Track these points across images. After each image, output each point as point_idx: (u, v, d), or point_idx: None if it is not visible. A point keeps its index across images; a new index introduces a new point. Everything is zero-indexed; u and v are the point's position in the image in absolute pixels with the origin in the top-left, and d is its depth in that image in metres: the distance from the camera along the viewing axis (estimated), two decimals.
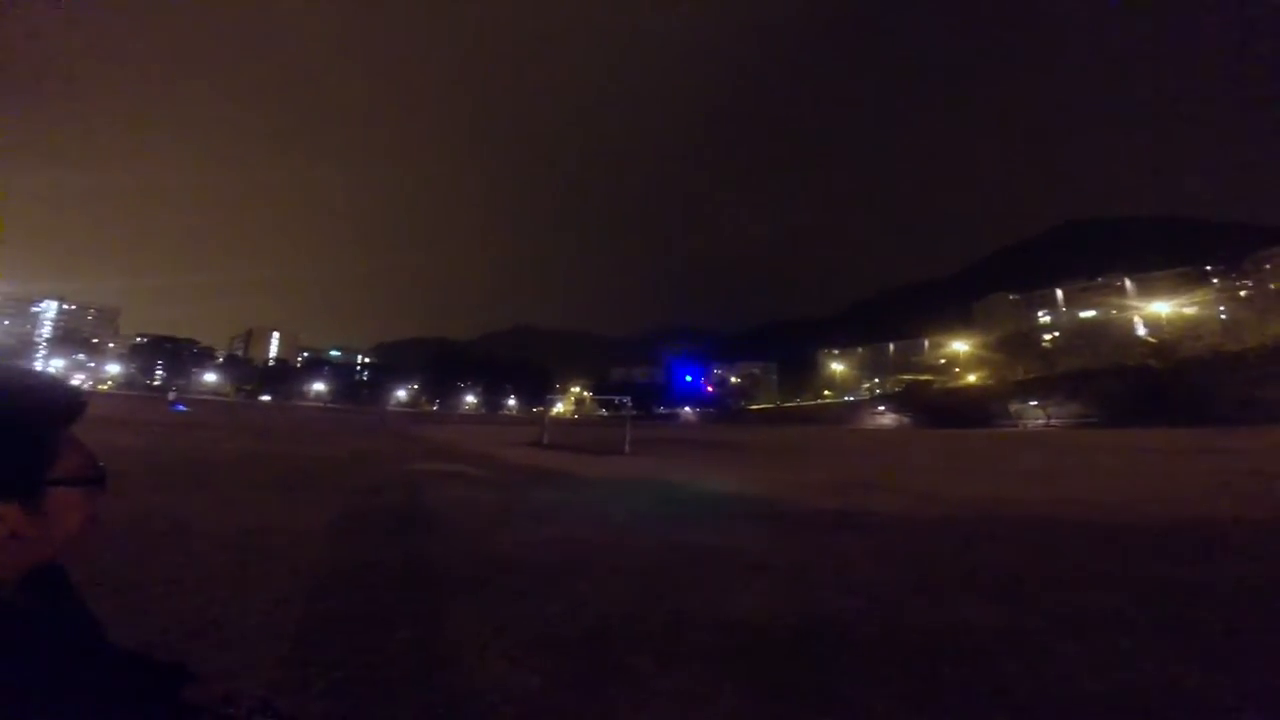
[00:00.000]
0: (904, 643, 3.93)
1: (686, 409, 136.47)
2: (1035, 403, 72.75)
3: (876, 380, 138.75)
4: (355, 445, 23.27)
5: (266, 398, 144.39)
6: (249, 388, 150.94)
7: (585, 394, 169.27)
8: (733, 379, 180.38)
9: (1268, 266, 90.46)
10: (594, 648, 3.92)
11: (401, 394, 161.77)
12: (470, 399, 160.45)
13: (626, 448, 24.71)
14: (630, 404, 33.56)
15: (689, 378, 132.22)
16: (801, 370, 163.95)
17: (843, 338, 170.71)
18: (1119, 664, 3.43)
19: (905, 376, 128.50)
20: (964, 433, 53.63)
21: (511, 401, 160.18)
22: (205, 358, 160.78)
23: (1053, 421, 65.36)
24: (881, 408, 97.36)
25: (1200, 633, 3.98)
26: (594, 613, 4.62)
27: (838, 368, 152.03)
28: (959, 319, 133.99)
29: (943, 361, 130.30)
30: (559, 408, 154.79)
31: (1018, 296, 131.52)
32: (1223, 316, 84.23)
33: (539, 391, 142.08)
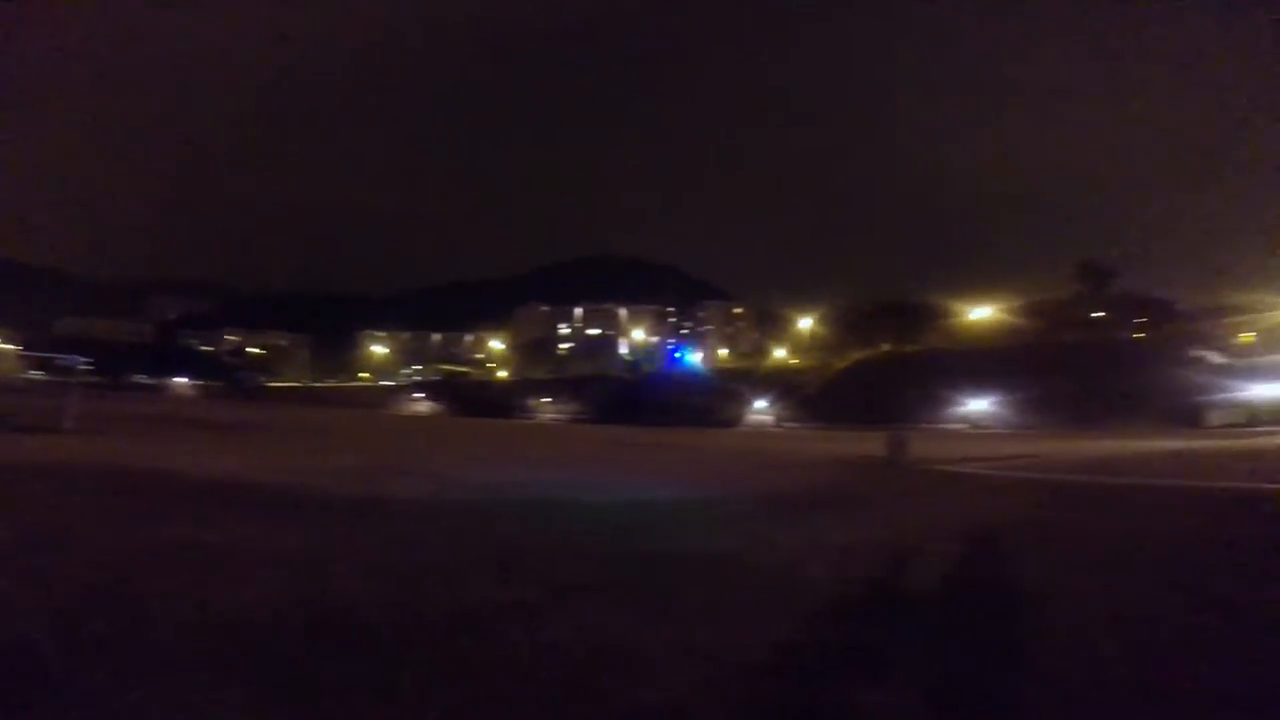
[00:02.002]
0: (424, 624, 4.01)
1: (181, 380, 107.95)
2: (548, 399, 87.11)
3: (418, 367, 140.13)
4: None
5: None
6: None
7: (11, 348, 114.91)
8: (250, 349, 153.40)
9: (701, 314, 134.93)
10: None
11: None
12: None
13: (66, 423, 18.13)
14: (87, 366, 24.66)
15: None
16: (340, 348, 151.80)
17: (390, 320, 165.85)
18: (596, 627, 4.10)
19: (445, 366, 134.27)
20: (492, 422, 59.40)
21: None
22: None
23: (559, 416, 79.20)
24: (419, 394, 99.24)
25: (658, 597, 4.94)
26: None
27: (380, 350, 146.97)
28: (502, 320, 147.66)
29: (480, 356, 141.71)
30: None
31: (547, 309, 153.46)
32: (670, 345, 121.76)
33: None
